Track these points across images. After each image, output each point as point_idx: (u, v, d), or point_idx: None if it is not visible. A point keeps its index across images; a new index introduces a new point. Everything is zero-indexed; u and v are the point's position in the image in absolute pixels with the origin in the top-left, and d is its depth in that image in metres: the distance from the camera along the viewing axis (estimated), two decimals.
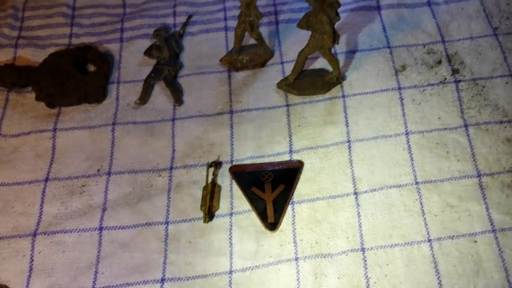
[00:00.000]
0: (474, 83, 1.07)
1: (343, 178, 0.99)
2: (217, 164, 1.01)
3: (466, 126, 1.02)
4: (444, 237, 0.92)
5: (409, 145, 1.01)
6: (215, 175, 1.00)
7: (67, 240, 0.95)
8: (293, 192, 0.98)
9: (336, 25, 0.98)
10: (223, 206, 0.97)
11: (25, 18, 1.22)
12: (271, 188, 0.98)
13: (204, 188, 0.98)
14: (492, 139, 1.01)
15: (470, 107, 1.04)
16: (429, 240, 0.92)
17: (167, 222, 0.96)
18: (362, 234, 0.93)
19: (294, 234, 0.94)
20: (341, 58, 1.12)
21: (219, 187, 0.99)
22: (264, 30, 1.15)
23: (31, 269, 0.92)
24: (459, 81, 1.08)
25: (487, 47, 1.12)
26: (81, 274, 0.91)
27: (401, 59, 1.12)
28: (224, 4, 1.23)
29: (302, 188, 0.98)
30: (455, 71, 1.09)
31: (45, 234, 0.95)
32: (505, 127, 1.02)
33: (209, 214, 0.95)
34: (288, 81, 1.08)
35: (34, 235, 0.95)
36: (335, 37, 0.98)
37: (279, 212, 0.96)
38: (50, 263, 0.93)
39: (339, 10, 0.96)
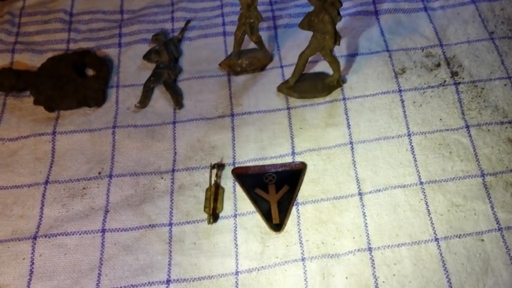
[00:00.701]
0: (473, 85, 1.08)
1: (347, 179, 0.98)
2: (219, 166, 1.00)
3: (467, 127, 1.02)
4: (451, 236, 0.91)
5: (412, 146, 1.01)
6: (218, 177, 0.99)
7: (69, 243, 0.93)
8: (297, 193, 0.97)
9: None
10: (227, 207, 0.96)
11: (22, 24, 1.21)
12: (275, 189, 0.97)
13: (207, 190, 0.97)
14: (493, 140, 1.01)
15: (471, 109, 1.05)
16: (436, 239, 0.91)
17: (170, 224, 0.94)
18: (368, 234, 0.92)
19: (299, 235, 0.93)
20: (341, 62, 1.11)
21: (222, 189, 0.98)
22: (263, 35, 1.15)
23: (31, 272, 0.90)
24: (459, 83, 1.08)
25: (484, 50, 1.13)
26: (84, 276, 0.90)
27: (400, 62, 1.12)
28: (222, 10, 1.23)
29: (306, 190, 0.97)
30: (454, 74, 1.09)
31: (45, 236, 0.93)
32: (506, 127, 1.02)
33: (213, 216, 0.94)
34: (289, 84, 1.08)
35: (35, 238, 0.93)
36: (336, 38, 0.97)
37: (284, 213, 0.94)
38: (51, 266, 0.91)
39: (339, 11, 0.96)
